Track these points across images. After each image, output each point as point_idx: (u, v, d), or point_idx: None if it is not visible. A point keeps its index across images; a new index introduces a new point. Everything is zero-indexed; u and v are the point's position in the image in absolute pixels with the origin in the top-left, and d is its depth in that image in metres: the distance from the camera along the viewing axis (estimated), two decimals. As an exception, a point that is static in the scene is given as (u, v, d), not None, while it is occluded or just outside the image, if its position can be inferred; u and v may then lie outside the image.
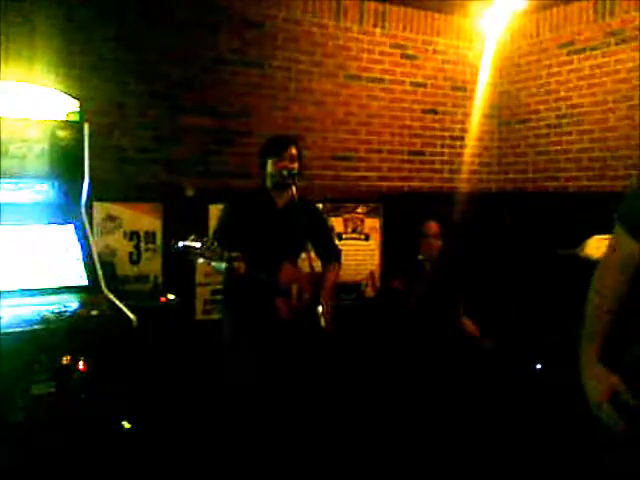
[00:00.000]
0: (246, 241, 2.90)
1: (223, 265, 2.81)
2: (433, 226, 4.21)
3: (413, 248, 4.21)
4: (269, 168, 3.07)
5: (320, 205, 4.01)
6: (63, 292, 2.81)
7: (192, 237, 2.76)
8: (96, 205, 3.77)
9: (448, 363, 3.78)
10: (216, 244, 2.79)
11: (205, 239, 2.80)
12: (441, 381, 3.68)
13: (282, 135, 3.50)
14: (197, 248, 2.74)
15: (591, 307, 1.75)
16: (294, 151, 3.06)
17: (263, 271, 2.87)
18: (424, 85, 5.07)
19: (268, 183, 3.11)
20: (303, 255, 3.08)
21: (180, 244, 2.76)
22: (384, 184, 4.94)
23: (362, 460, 3.21)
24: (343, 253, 3.37)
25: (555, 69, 4.90)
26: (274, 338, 2.93)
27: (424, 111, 5.09)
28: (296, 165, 3.04)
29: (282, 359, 2.94)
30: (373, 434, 3.45)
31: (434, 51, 5.08)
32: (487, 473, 3.14)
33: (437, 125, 5.16)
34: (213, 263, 2.85)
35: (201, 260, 2.81)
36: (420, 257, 4.17)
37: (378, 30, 4.81)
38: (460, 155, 5.27)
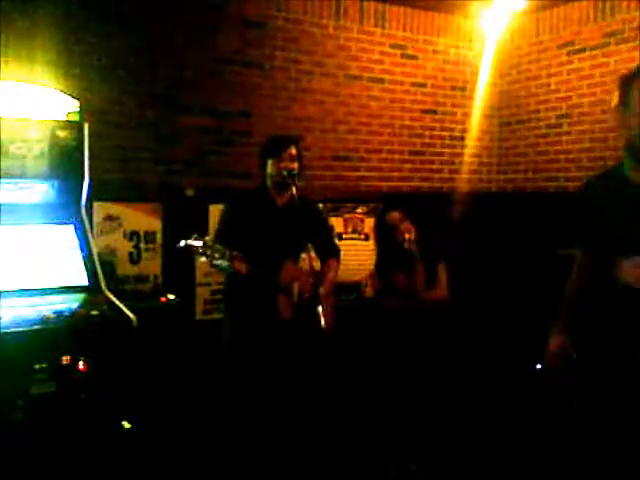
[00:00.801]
0: (246, 241, 2.90)
1: (226, 263, 2.82)
2: (395, 215, 4.02)
3: (392, 243, 4.13)
4: (269, 168, 3.07)
5: (320, 205, 4.00)
6: (63, 292, 2.80)
7: (194, 236, 2.78)
8: (96, 205, 3.77)
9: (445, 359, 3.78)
10: (217, 244, 2.80)
11: (207, 238, 2.81)
12: (439, 379, 3.68)
13: (282, 135, 3.48)
14: (199, 247, 2.75)
15: (564, 296, 2.27)
16: (294, 151, 3.05)
17: (264, 270, 2.88)
18: (424, 85, 5.07)
19: (268, 183, 3.11)
20: (303, 255, 3.08)
21: (182, 243, 2.77)
22: (384, 184, 4.94)
23: (362, 458, 3.21)
24: (343, 253, 3.37)
25: (555, 69, 4.90)
26: (275, 338, 2.93)
27: (424, 111, 5.09)
28: (296, 165, 3.04)
29: (282, 359, 2.94)
30: (373, 434, 3.45)
31: (434, 51, 5.08)
32: (486, 472, 3.14)
33: (437, 125, 5.16)
34: (215, 262, 2.86)
35: (203, 259, 2.82)
36: (406, 246, 4.07)
37: (378, 30, 4.81)
38: (460, 155, 5.27)
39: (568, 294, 2.25)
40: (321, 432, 3.16)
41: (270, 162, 3.06)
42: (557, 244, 4.23)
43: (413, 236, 3.95)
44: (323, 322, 2.84)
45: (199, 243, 2.75)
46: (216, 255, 2.78)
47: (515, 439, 3.35)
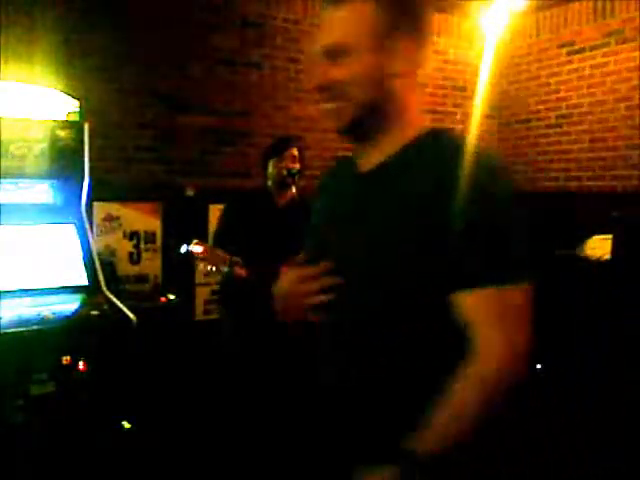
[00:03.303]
0: (247, 241, 2.91)
1: (226, 269, 2.83)
2: None
3: None
4: (270, 168, 3.10)
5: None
6: (63, 292, 2.80)
7: (195, 241, 2.79)
8: (96, 205, 3.77)
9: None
10: (218, 249, 2.82)
11: (207, 244, 2.83)
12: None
13: (286, 136, 3.50)
14: (200, 252, 2.76)
15: None
16: (295, 152, 3.08)
17: (264, 276, 2.89)
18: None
19: (269, 183, 3.13)
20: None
21: (183, 249, 2.78)
22: (384, 184, 4.93)
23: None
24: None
25: (555, 69, 4.90)
26: (272, 337, 2.93)
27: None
28: (297, 165, 3.06)
29: (280, 356, 2.95)
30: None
31: (434, 51, 5.08)
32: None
33: (437, 125, 5.15)
34: (215, 267, 2.87)
35: (202, 265, 2.82)
36: None
37: (378, 30, 4.81)
38: (460, 155, 5.27)
39: None
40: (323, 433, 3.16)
41: (272, 162, 3.08)
42: (556, 244, 4.24)
43: None
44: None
45: (199, 249, 2.77)
46: (217, 261, 2.79)
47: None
